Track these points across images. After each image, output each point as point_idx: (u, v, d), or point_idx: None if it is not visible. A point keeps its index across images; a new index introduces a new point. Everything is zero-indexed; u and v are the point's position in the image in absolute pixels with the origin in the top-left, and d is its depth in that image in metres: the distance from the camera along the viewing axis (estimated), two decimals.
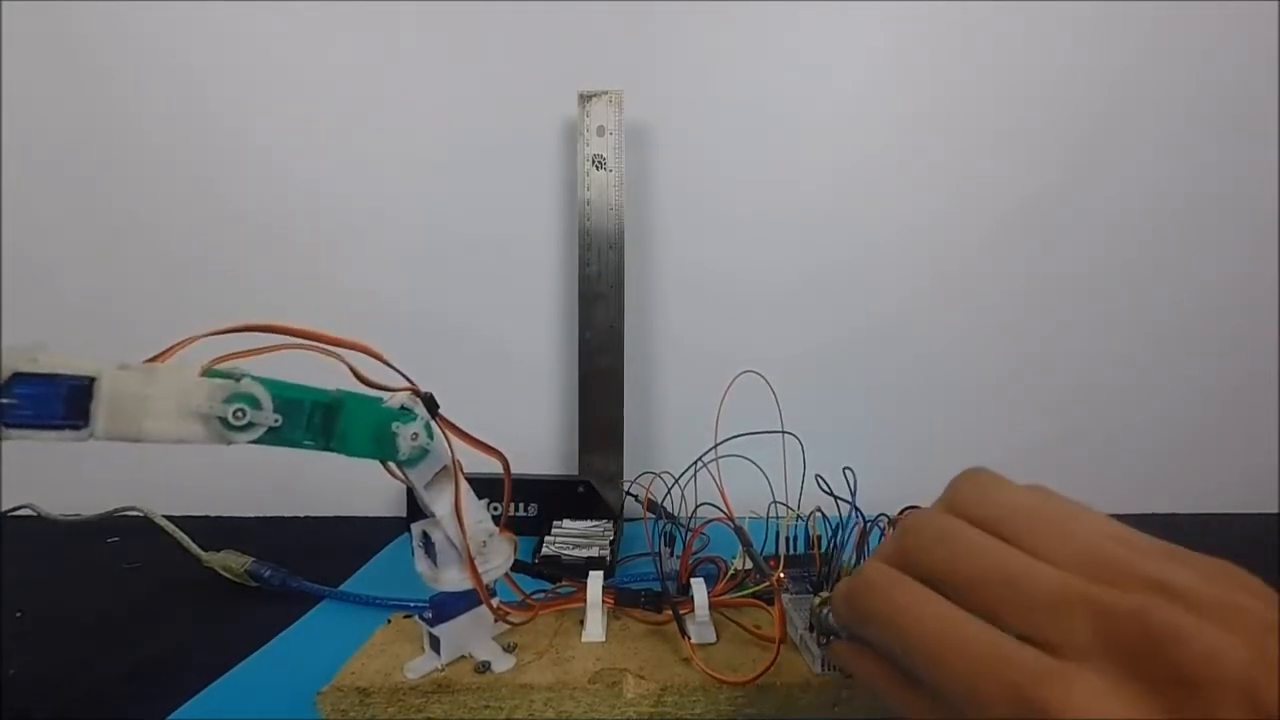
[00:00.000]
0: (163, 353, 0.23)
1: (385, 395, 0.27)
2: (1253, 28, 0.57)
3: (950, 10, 0.57)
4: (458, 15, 0.57)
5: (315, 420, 0.24)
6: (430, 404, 0.27)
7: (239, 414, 0.23)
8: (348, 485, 0.58)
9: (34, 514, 0.57)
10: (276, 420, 0.23)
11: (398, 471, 0.27)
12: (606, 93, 0.53)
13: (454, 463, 0.28)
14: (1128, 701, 0.14)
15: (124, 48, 0.57)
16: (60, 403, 0.20)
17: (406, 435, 0.26)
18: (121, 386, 0.21)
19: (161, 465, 0.61)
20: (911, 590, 0.18)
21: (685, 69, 0.58)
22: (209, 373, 0.23)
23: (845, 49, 0.58)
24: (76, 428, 0.21)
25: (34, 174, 0.58)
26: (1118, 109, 0.59)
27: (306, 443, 0.24)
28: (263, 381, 0.23)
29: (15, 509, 0.58)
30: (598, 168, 0.53)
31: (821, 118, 0.59)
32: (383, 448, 0.26)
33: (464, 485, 0.28)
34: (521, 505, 0.52)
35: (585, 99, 0.53)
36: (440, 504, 0.28)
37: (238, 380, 0.23)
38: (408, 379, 0.27)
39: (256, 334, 0.23)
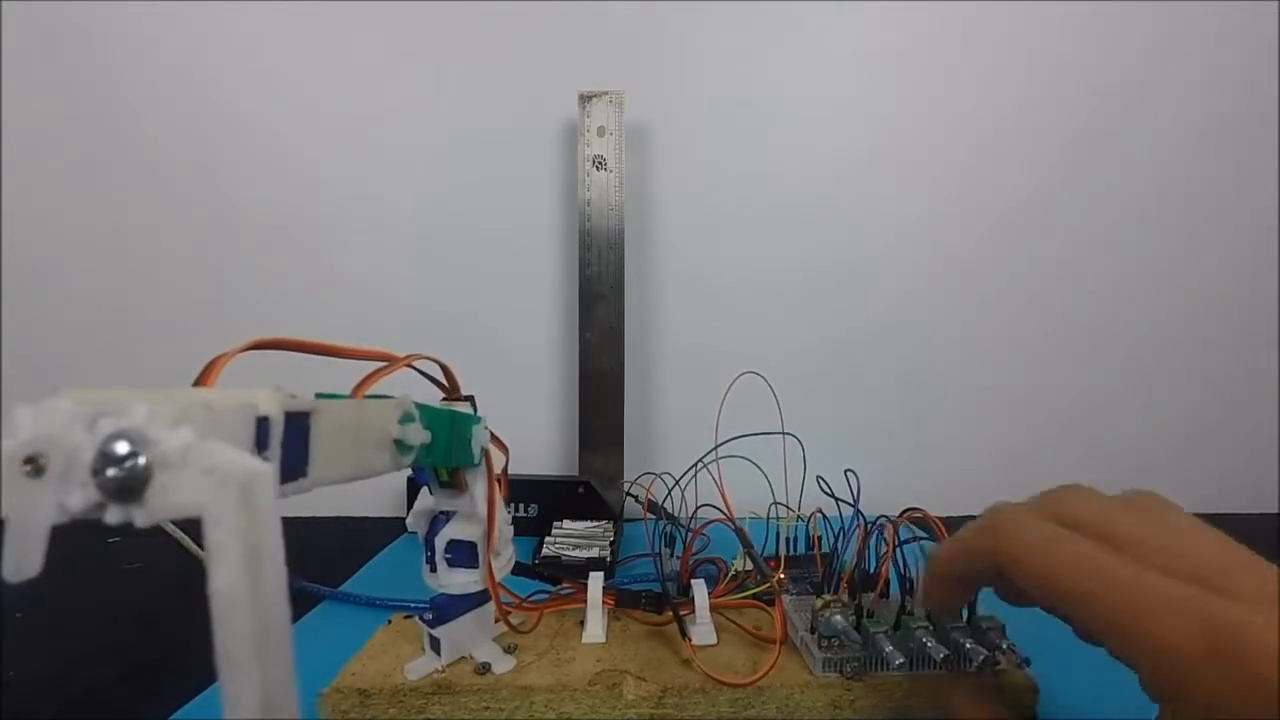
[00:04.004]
0: (204, 373, 0.17)
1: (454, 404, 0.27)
2: (1253, 28, 0.57)
3: (950, 10, 0.57)
4: (458, 15, 0.57)
5: (444, 434, 0.23)
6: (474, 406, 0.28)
7: (412, 435, 0.20)
8: (347, 485, 0.58)
9: None
10: (427, 437, 0.21)
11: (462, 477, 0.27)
12: (606, 93, 0.53)
13: (489, 460, 0.28)
14: None
15: (124, 47, 0.57)
16: (297, 445, 0.15)
17: (480, 439, 0.26)
18: (335, 420, 0.17)
19: None
20: (1077, 539, 0.19)
21: (685, 69, 0.58)
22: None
23: (845, 49, 0.58)
24: (298, 476, 0.15)
25: (34, 173, 0.58)
26: (1118, 108, 0.59)
27: (429, 460, 0.23)
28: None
29: None
30: (598, 168, 0.53)
31: (821, 118, 0.59)
32: (469, 454, 0.26)
33: (495, 483, 0.28)
34: (521, 505, 0.52)
35: (585, 99, 0.53)
36: (463, 502, 0.28)
37: (393, 398, 0.20)
38: (455, 383, 0.27)
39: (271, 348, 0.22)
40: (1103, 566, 0.18)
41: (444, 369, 0.26)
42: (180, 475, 0.12)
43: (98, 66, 0.57)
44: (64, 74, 0.57)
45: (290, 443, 0.15)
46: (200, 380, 0.17)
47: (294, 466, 0.15)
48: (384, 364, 0.21)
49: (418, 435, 0.21)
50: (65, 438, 0.12)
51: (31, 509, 0.12)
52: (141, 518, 0.12)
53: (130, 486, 0.12)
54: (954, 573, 0.23)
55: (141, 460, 0.12)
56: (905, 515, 0.30)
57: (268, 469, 0.12)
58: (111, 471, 0.11)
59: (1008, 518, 0.21)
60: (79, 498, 0.12)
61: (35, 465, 0.12)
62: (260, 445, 0.14)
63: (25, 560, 0.12)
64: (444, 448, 0.24)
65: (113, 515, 0.12)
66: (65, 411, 0.12)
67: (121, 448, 0.12)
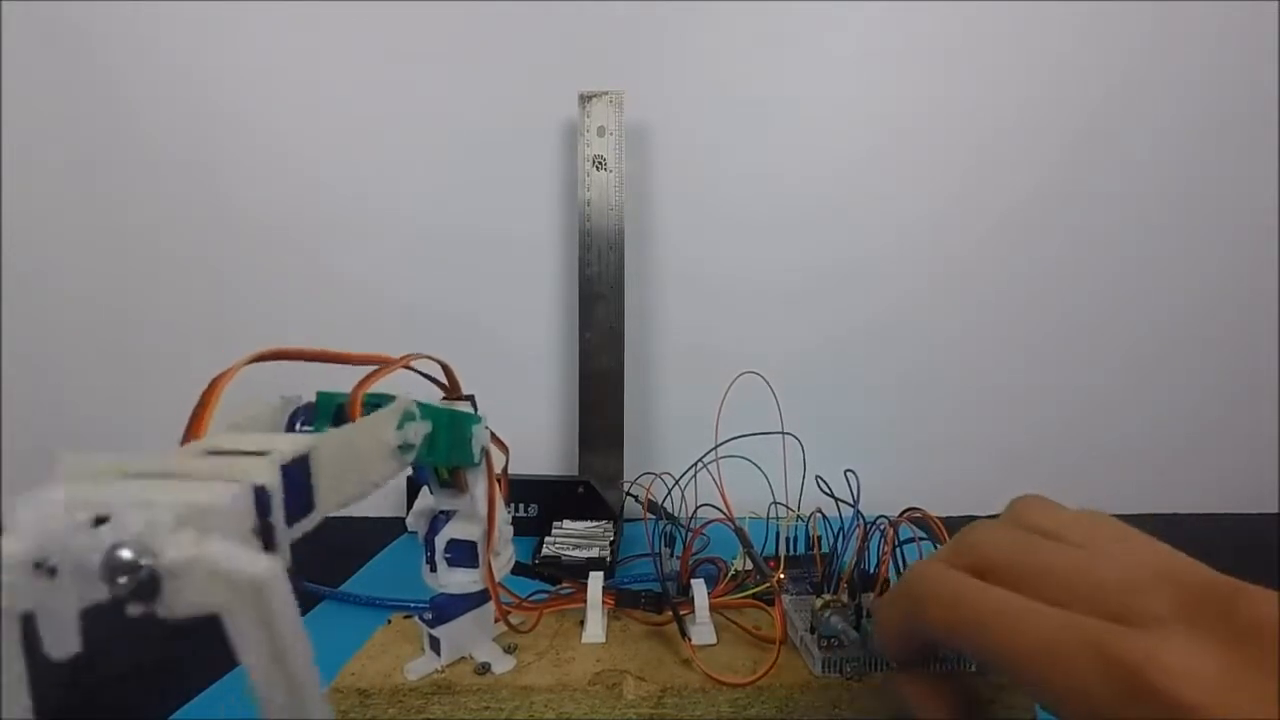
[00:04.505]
0: (206, 396, 0.17)
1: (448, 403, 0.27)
2: (1253, 28, 0.57)
3: (950, 10, 0.57)
4: (458, 15, 0.57)
5: (445, 433, 0.23)
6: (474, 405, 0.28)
7: (412, 434, 0.20)
8: None
9: None
10: (428, 427, 0.21)
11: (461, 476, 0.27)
12: (607, 93, 0.53)
13: (489, 459, 0.28)
14: (1214, 656, 0.14)
15: (124, 47, 0.57)
16: (300, 488, 0.16)
17: (480, 439, 0.26)
18: (335, 449, 0.17)
19: None
20: (983, 588, 0.18)
21: (685, 69, 0.58)
22: (370, 396, 0.20)
23: (845, 49, 0.58)
24: (307, 512, 0.16)
25: (34, 173, 0.58)
26: (1118, 108, 0.59)
27: (430, 459, 0.23)
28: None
29: None
30: (598, 168, 0.53)
31: (821, 117, 0.59)
32: (469, 454, 0.26)
33: (495, 483, 0.28)
34: (521, 505, 0.52)
35: (585, 99, 0.53)
36: (463, 502, 0.28)
37: (391, 400, 0.20)
38: (455, 382, 0.27)
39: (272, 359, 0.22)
40: (1007, 614, 0.17)
41: (444, 368, 0.26)
42: (189, 581, 0.12)
43: (98, 66, 0.57)
44: (64, 74, 0.57)
45: (294, 486, 0.15)
46: (202, 403, 0.17)
47: (301, 505, 0.15)
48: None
49: (418, 434, 0.21)
50: (69, 542, 0.12)
51: (54, 603, 0.12)
52: (163, 611, 0.12)
53: (143, 592, 0.12)
54: (896, 635, 0.22)
55: (147, 569, 0.12)
56: (905, 515, 0.30)
57: (275, 569, 0.12)
58: (121, 579, 0.12)
59: (918, 574, 0.20)
60: (97, 591, 0.12)
61: (46, 568, 0.12)
62: (263, 512, 0.14)
63: (64, 642, 0.12)
64: (444, 447, 0.24)
65: (134, 609, 0.12)
66: (62, 516, 0.12)
67: (126, 555, 0.12)
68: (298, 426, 0.21)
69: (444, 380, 0.27)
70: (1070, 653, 0.15)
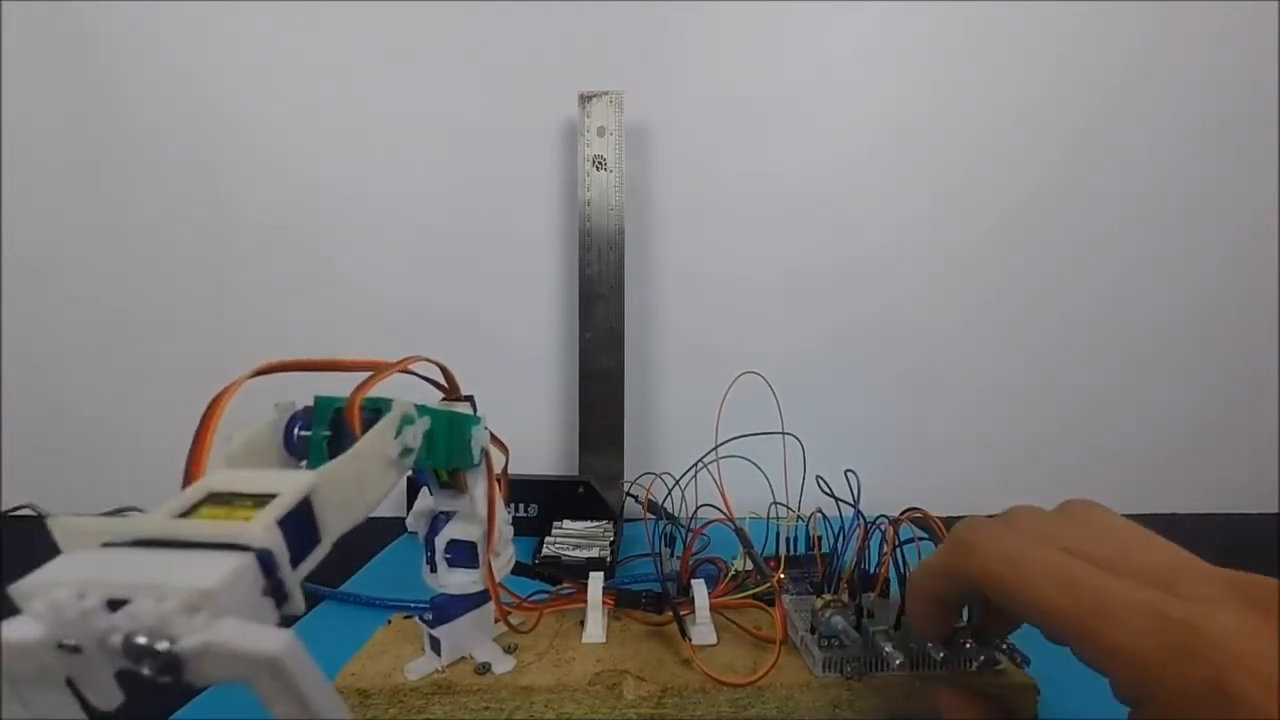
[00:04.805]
0: (206, 417, 0.18)
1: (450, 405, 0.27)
2: (1253, 28, 0.57)
3: (950, 10, 0.57)
4: (458, 15, 0.57)
5: (444, 435, 0.23)
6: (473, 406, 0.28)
7: (411, 438, 0.20)
8: None
9: (34, 514, 0.57)
10: (426, 424, 0.21)
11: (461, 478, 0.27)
12: (607, 93, 0.53)
13: (489, 460, 0.28)
14: (1262, 624, 0.16)
15: (124, 47, 0.57)
16: (304, 529, 0.16)
17: (480, 439, 0.26)
18: (336, 483, 0.17)
19: (162, 465, 0.61)
20: (1036, 544, 0.20)
21: (685, 69, 0.58)
22: (369, 402, 0.20)
23: (845, 49, 0.58)
24: (313, 546, 0.16)
25: (34, 173, 0.58)
26: (1118, 108, 0.59)
27: (429, 462, 0.23)
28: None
29: (15, 509, 0.58)
30: (598, 168, 0.53)
31: (821, 117, 0.59)
32: (469, 455, 0.26)
33: (495, 483, 0.28)
34: (521, 505, 0.52)
35: (585, 99, 0.53)
36: (463, 502, 0.28)
37: (389, 405, 0.20)
38: (455, 384, 0.27)
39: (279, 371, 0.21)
40: (1072, 573, 0.19)
41: (443, 370, 0.26)
42: (209, 660, 0.12)
43: (98, 66, 0.57)
44: (64, 74, 0.57)
45: (297, 528, 0.15)
46: (203, 426, 0.17)
47: (306, 543, 0.16)
48: (385, 368, 0.21)
49: (417, 436, 0.21)
50: (87, 626, 0.12)
51: (87, 672, 0.13)
52: (190, 680, 0.13)
53: (166, 670, 0.12)
54: (933, 593, 0.24)
55: (168, 653, 0.12)
56: (905, 515, 0.30)
57: (289, 644, 0.13)
58: (145, 663, 0.12)
59: (978, 532, 0.21)
60: (124, 662, 0.12)
61: (69, 647, 0.12)
62: (269, 572, 0.14)
63: (106, 697, 0.13)
64: (444, 449, 0.24)
65: (164, 680, 0.13)
66: (75, 603, 0.12)
67: (143, 641, 0.12)
68: (295, 432, 0.21)
69: (443, 381, 0.27)
70: (1126, 611, 0.17)
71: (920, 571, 0.24)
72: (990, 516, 0.23)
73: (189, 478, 0.17)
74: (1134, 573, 0.18)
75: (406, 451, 0.21)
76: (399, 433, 0.20)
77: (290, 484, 0.16)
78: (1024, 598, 0.19)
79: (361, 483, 0.18)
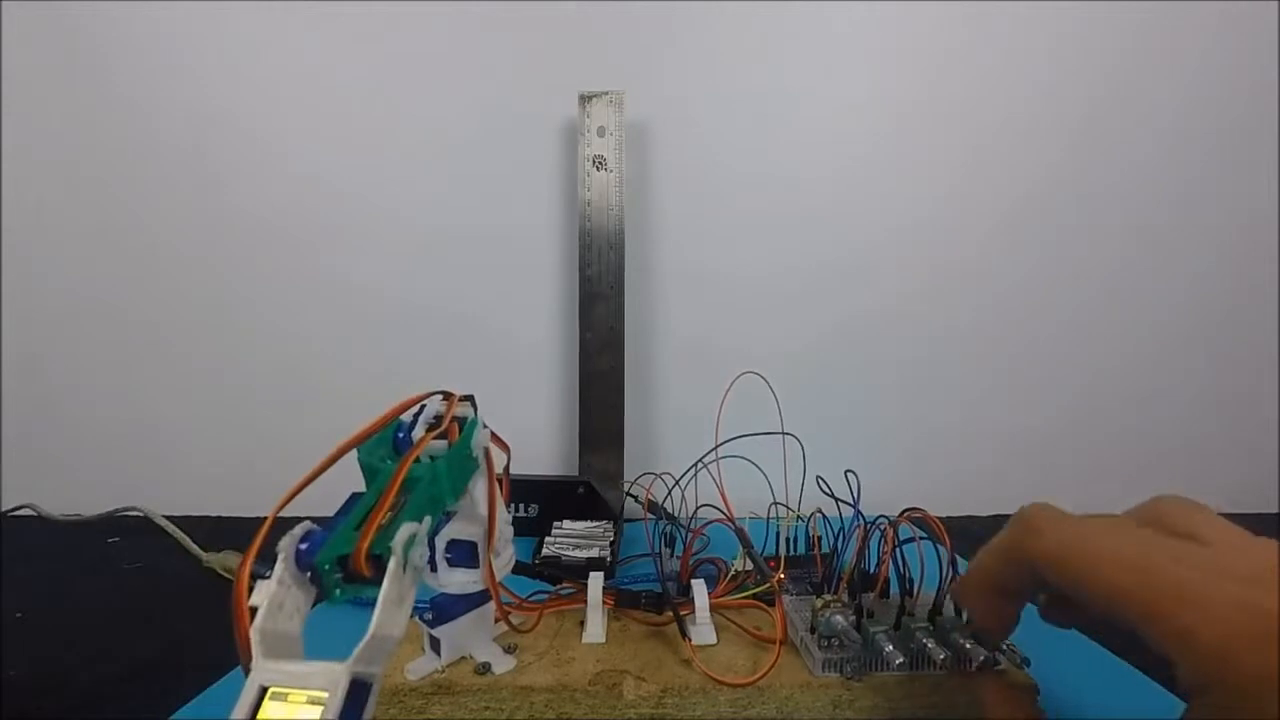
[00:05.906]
0: (239, 605, 0.21)
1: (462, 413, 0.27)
2: (1253, 28, 0.57)
3: (950, 10, 0.57)
4: (459, 16, 0.57)
5: (444, 477, 0.24)
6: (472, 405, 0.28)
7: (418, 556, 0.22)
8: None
9: (34, 514, 0.57)
10: (429, 523, 0.23)
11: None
12: (607, 93, 0.53)
13: (489, 459, 0.28)
14: None
15: (124, 47, 0.57)
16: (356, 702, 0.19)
17: (481, 444, 0.27)
18: (368, 658, 0.20)
19: (162, 465, 0.61)
20: (1104, 529, 0.20)
21: (685, 69, 0.58)
22: (374, 547, 0.21)
23: (845, 49, 0.58)
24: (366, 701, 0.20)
25: (34, 173, 0.58)
26: (1118, 107, 0.59)
27: (445, 509, 0.25)
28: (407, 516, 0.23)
29: (15, 509, 0.58)
30: (598, 168, 0.53)
31: (821, 117, 0.59)
32: (471, 468, 0.26)
33: (495, 483, 0.28)
34: (522, 506, 0.52)
35: (585, 99, 0.53)
36: (463, 502, 0.28)
37: (394, 534, 0.22)
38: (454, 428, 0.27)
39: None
40: (1150, 556, 0.18)
41: (448, 402, 0.26)
42: None
43: (98, 66, 0.57)
44: (64, 74, 0.57)
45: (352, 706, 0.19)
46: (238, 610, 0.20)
47: (362, 701, 0.19)
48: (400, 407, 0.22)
49: (424, 554, 0.22)
50: None
51: None
52: None
53: None
54: (994, 578, 0.23)
55: None
56: (905, 515, 0.30)
57: None
58: None
59: (1034, 507, 0.21)
60: None
61: None
62: None
63: None
64: (450, 491, 0.24)
65: None
66: None
67: None
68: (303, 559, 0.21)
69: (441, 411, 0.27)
70: (1206, 596, 0.17)
71: (981, 553, 0.24)
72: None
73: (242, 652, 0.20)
74: (1211, 567, 0.18)
75: (420, 564, 0.22)
76: (406, 563, 0.21)
77: (333, 679, 0.19)
78: (1088, 579, 0.19)
79: (389, 634, 0.21)
